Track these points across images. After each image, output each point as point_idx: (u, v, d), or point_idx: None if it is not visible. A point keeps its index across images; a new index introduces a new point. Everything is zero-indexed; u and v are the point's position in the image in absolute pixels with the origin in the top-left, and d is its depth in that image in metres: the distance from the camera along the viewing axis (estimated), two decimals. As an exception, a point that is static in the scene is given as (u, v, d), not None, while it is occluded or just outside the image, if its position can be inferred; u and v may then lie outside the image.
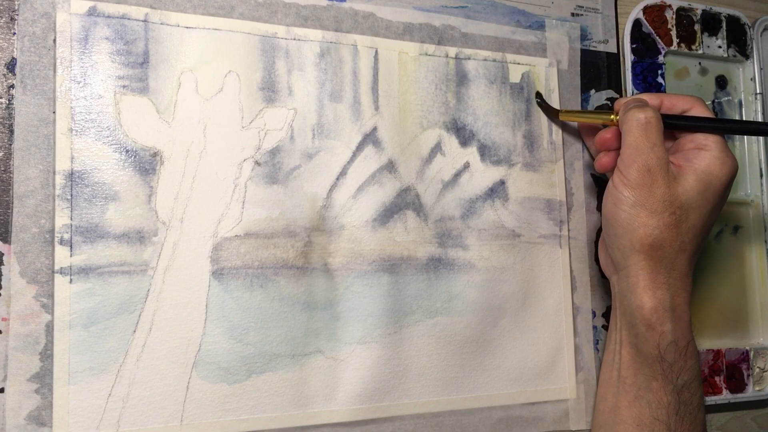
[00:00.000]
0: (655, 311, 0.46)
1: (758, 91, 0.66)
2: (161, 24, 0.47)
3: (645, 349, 0.47)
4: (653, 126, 0.47)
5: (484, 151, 0.55)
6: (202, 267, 0.46)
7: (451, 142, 0.54)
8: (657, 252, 0.47)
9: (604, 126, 0.53)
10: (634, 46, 0.62)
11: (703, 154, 0.48)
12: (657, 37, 0.63)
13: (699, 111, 0.51)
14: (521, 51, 0.58)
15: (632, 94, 0.61)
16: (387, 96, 0.52)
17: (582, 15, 0.61)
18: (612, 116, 0.51)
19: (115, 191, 0.45)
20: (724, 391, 0.61)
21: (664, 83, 0.63)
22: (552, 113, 0.57)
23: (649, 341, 0.47)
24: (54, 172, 0.43)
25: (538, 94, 0.58)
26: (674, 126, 0.50)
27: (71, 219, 0.43)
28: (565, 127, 0.59)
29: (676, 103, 0.52)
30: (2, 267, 0.42)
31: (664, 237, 0.46)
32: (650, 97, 0.52)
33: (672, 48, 0.64)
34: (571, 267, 0.57)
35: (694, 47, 0.65)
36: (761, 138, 0.66)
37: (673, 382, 0.46)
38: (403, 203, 0.52)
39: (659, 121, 0.48)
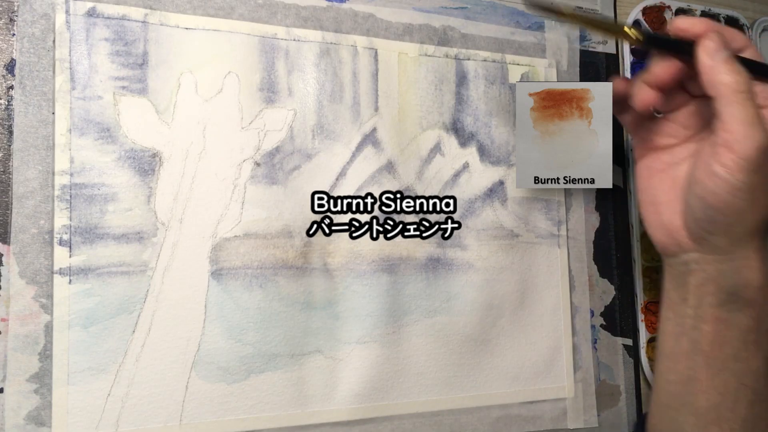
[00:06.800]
0: (763, 288, 0.44)
1: (757, 92, 0.66)
2: (160, 25, 0.47)
3: (740, 322, 0.44)
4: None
5: (484, 152, 0.55)
6: (201, 267, 0.46)
7: (450, 142, 0.54)
8: None
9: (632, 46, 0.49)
10: (633, 47, 0.62)
11: None
12: (656, 38, 0.63)
13: (753, 53, 0.44)
14: (521, 52, 0.58)
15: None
16: (386, 96, 0.52)
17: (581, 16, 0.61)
18: (634, 33, 0.44)
19: (115, 192, 0.45)
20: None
21: (662, 83, 0.63)
22: (556, 13, 0.46)
23: (747, 315, 0.44)
24: (53, 173, 0.43)
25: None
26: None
27: (70, 220, 0.43)
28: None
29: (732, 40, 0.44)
30: (1, 268, 0.42)
31: None
32: (702, 24, 0.44)
33: (671, 48, 0.64)
34: (569, 267, 0.57)
35: (693, 47, 0.65)
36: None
37: (764, 350, 0.45)
38: (402, 203, 0.52)
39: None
